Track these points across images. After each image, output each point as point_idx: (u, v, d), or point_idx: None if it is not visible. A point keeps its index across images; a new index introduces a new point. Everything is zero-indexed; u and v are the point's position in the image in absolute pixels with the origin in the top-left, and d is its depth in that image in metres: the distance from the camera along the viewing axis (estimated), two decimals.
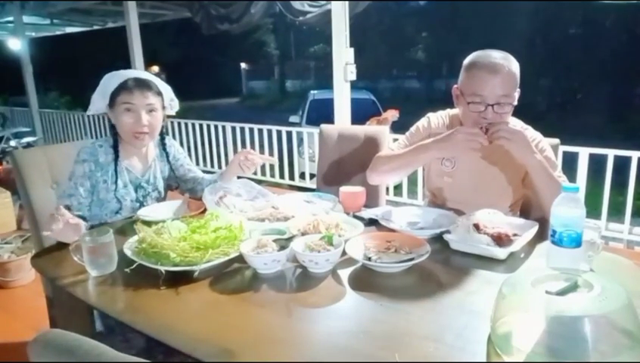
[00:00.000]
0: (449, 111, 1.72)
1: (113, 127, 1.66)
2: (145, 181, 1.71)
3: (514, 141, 1.39)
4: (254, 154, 1.71)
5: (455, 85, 1.59)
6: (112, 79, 1.61)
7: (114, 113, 1.61)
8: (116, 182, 1.62)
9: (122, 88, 1.58)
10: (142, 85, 1.60)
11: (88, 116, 7.09)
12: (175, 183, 1.85)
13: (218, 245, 1.20)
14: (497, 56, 1.50)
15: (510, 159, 1.54)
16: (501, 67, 1.47)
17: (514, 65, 1.50)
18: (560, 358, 0.71)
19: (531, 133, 1.60)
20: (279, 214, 1.52)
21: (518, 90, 1.53)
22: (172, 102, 1.73)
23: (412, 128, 1.77)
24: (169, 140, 1.83)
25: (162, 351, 0.91)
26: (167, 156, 1.78)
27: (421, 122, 1.76)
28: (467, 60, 1.55)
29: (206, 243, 1.19)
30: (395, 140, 1.87)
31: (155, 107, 1.63)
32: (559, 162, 1.73)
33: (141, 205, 1.69)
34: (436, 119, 1.74)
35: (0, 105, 10.50)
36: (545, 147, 1.58)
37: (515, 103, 1.52)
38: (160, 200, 1.78)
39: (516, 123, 1.63)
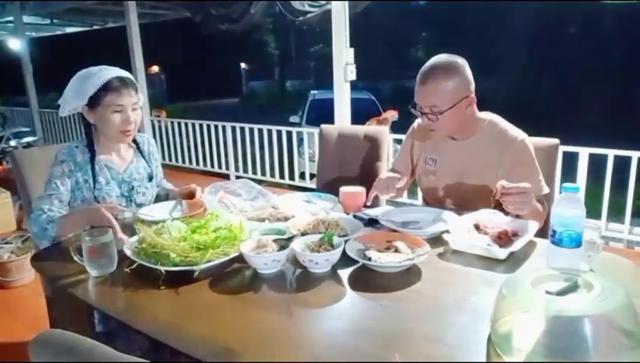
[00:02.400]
0: None
1: (87, 126, 1.63)
2: (128, 175, 1.70)
3: (524, 209, 1.35)
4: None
5: None
6: (89, 79, 1.55)
7: (98, 113, 1.58)
8: (94, 181, 1.60)
9: (108, 88, 1.55)
10: (127, 84, 1.59)
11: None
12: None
13: (218, 245, 1.20)
14: (435, 66, 1.53)
15: (488, 159, 1.58)
16: (427, 80, 1.53)
17: (447, 77, 1.51)
18: (560, 358, 0.71)
19: (512, 132, 1.59)
20: (279, 214, 1.52)
21: (472, 97, 1.56)
22: (140, 98, 1.71)
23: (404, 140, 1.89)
24: (148, 138, 1.83)
25: (168, 351, 0.91)
26: (141, 152, 1.77)
27: (407, 133, 1.86)
28: None
29: (206, 243, 1.19)
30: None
31: (137, 105, 1.63)
32: (559, 162, 1.74)
33: (128, 200, 1.68)
34: (419, 122, 1.79)
35: (0, 105, 10.50)
36: (526, 153, 1.56)
37: (445, 113, 1.52)
38: (150, 194, 1.77)
39: (495, 120, 1.64)
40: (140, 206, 1.69)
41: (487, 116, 1.65)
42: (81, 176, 1.59)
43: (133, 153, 1.75)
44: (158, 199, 1.82)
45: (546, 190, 1.55)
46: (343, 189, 1.67)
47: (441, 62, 1.54)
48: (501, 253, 1.21)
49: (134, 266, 1.18)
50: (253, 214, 1.53)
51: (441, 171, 1.70)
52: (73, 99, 1.59)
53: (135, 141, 1.75)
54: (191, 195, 1.68)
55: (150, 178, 1.77)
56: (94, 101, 1.56)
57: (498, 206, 1.39)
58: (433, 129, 1.61)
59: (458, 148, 1.65)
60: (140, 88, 1.68)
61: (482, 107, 1.64)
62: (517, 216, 1.40)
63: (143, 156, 1.77)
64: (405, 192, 4.31)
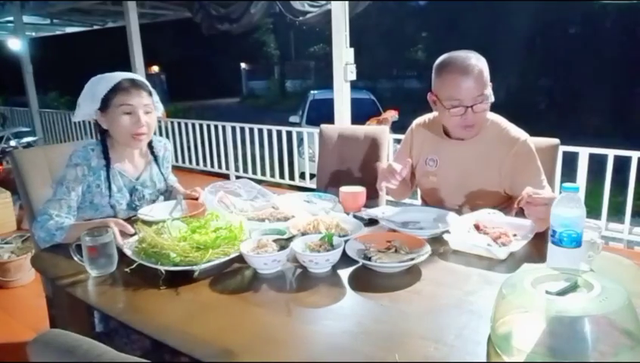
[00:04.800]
0: (435, 113, 1.74)
1: (102, 132, 1.61)
2: (140, 183, 1.68)
3: (546, 219, 1.35)
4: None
5: (430, 92, 1.61)
6: (101, 82, 1.56)
7: (108, 115, 1.56)
8: (109, 188, 1.58)
9: (118, 89, 1.54)
10: (137, 85, 1.58)
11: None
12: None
13: (218, 245, 1.20)
14: (464, 57, 1.51)
15: (490, 160, 1.58)
16: (471, 68, 1.49)
17: (482, 63, 1.51)
18: (560, 358, 0.71)
19: (515, 133, 1.59)
20: (279, 214, 1.52)
21: (490, 84, 1.54)
22: (157, 103, 1.69)
23: (402, 141, 1.86)
24: (166, 143, 1.81)
25: (168, 351, 0.91)
26: (156, 158, 1.74)
27: (405, 134, 1.84)
28: (436, 65, 1.57)
29: (206, 243, 1.19)
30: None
31: (151, 108, 1.61)
32: (559, 162, 1.74)
33: (137, 208, 1.66)
34: (421, 125, 1.79)
35: (0, 105, 10.50)
36: (528, 153, 1.56)
37: (492, 99, 1.53)
38: (157, 201, 1.76)
39: (498, 120, 1.64)
40: None
41: (489, 116, 1.64)
42: (93, 181, 1.57)
43: (147, 162, 1.72)
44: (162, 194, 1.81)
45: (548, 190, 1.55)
46: (343, 189, 1.67)
47: (465, 52, 1.52)
48: (501, 253, 1.21)
49: (134, 266, 1.18)
50: (253, 214, 1.53)
51: (442, 171, 1.69)
52: (85, 104, 1.58)
53: (151, 145, 1.72)
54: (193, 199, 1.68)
55: (162, 191, 1.76)
56: (105, 104, 1.56)
57: (520, 213, 1.37)
58: (472, 125, 1.56)
59: (459, 148, 1.64)
60: (153, 91, 1.66)
61: None
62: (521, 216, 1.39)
63: (157, 164, 1.74)
64: None
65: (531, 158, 1.55)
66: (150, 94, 1.61)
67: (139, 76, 1.63)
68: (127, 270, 1.18)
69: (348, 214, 1.58)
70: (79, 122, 7.55)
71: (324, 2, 4.21)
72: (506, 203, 1.64)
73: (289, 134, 5.14)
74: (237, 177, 5.11)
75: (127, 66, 5.45)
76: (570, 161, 3.29)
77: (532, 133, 1.65)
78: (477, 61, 1.50)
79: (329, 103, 4.12)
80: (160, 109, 1.70)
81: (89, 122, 7.32)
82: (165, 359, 1.19)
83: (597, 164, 3.34)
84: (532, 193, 1.27)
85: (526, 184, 1.33)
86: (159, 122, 6.41)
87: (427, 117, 1.79)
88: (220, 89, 22.79)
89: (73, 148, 1.60)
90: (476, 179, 1.61)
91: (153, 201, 1.73)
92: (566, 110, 12.82)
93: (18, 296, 2.79)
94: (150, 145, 1.72)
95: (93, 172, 1.57)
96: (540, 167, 1.56)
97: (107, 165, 1.59)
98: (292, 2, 4.38)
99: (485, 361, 0.80)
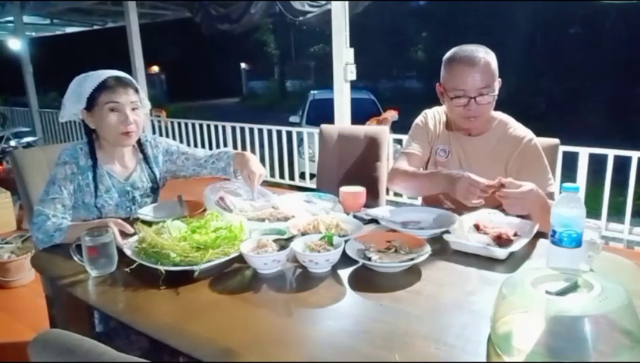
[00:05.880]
0: (445, 107, 1.74)
1: (88, 132, 1.60)
2: (130, 184, 1.65)
3: (520, 212, 1.35)
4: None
5: (438, 83, 1.63)
6: (86, 81, 1.54)
7: (95, 114, 1.54)
8: (95, 189, 1.57)
9: (104, 87, 1.52)
10: (123, 82, 1.56)
11: None
12: (174, 176, 1.82)
13: (218, 245, 1.20)
14: (473, 49, 1.53)
15: (496, 157, 1.59)
16: (478, 60, 1.51)
17: (490, 56, 1.53)
18: (560, 358, 0.71)
19: (521, 132, 1.60)
20: (279, 214, 1.52)
21: (499, 80, 1.56)
22: (144, 100, 1.66)
23: (412, 127, 1.81)
24: (153, 139, 1.77)
25: (168, 351, 0.91)
26: (147, 159, 1.72)
27: (419, 119, 1.80)
28: (445, 57, 1.59)
29: (206, 243, 1.19)
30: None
31: (138, 105, 1.59)
32: (559, 162, 1.74)
33: (128, 209, 1.65)
34: (433, 114, 1.77)
35: (0, 105, 10.50)
36: (535, 151, 1.57)
37: (496, 93, 1.55)
38: (151, 201, 1.74)
39: (505, 119, 1.65)
40: None
41: (497, 115, 1.66)
42: (82, 180, 1.57)
43: (137, 161, 1.70)
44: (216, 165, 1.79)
45: (553, 188, 1.56)
46: (343, 189, 1.67)
47: (475, 46, 1.54)
48: (501, 253, 1.21)
49: (134, 266, 1.18)
50: (253, 214, 1.53)
51: (451, 164, 1.69)
52: (71, 104, 1.57)
53: (140, 143, 1.70)
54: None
55: (153, 190, 1.74)
56: (91, 103, 1.54)
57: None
58: (475, 116, 1.56)
59: (468, 143, 1.66)
60: (140, 88, 1.65)
61: None
62: (523, 217, 1.40)
63: (148, 164, 1.72)
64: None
65: (537, 157, 1.56)
66: (136, 91, 1.60)
67: (123, 73, 1.60)
68: (127, 270, 1.18)
69: (348, 214, 1.58)
70: (78, 122, 7.53)
71: (324, 2, 4.21)
72: None
73: (289, 134, 5.14)
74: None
75: (127, 66, 5.46)
76: (570, 161, 3.30)
77: (533, 133, 1.66)
78: (485, 54, 1.52)
79: (329, 103, 4.12)
80: (147, 106, 1.67)
81: None
82: (165, 359, 1.19)
83: (597, 164, 3.34)
84: (507, 185, 1.28)
85: (533, 183, 1.34)
86: (159, 121, 6.43)
87: (440, 112, 1.78)
88: (220, 89, 22.80)
89: (61, 148, 1.59)
90: (482, 176, 1.61)
91: (146, 203, 1.71)
92: (567, 110, 12.81)
93: (18, 296, 2.79)
94: (139, 143, 1.70)
95: (82, 171, 1.56)
96: (547, 166, 1.57)
97: (94, 166, 1.58)
98: (292, 2, 4.39)
99: (485, 361, 0.80)
